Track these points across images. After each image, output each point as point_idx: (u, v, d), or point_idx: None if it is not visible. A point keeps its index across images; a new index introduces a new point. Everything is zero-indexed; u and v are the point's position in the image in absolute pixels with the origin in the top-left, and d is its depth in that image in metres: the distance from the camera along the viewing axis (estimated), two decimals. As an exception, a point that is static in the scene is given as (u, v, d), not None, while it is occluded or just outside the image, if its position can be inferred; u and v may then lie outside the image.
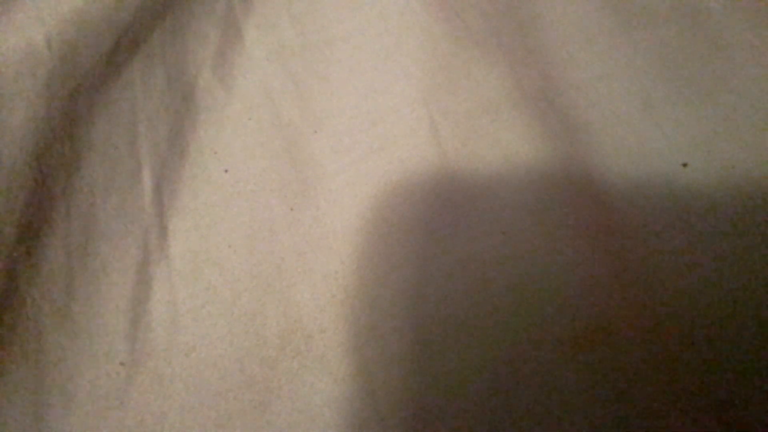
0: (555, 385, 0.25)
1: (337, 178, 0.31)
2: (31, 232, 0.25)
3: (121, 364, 0.26)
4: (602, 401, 0.24)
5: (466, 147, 0.31)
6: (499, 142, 0.31)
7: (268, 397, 0.25)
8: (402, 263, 0.28)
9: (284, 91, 0.34)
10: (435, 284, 0.27)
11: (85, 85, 0.29)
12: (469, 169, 0.30)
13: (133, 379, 0.25)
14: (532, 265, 0.27)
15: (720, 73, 0.32)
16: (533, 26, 0.35)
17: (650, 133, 0.30)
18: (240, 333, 0.27)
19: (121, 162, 0.30)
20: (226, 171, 0.31)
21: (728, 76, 0.31)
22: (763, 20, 0.33)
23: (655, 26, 0.34)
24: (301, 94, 0.34)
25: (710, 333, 0.25)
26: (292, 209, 0.30)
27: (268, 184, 0.31)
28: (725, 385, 0.24)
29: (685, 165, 0.29)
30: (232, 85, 0.34)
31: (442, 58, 0.34)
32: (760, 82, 0.31)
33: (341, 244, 0.29)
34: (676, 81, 0.32)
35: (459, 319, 0.26)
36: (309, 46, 0.36)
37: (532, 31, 0.35)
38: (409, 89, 0.33)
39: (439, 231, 0.29)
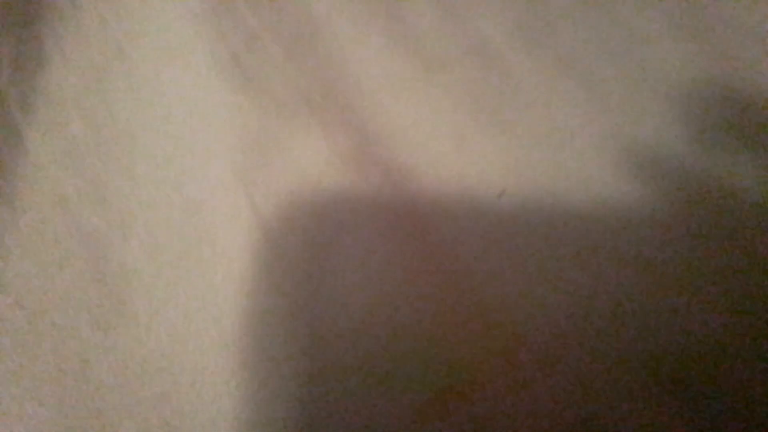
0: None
1: (156, 284, 0.28)
2: None
3: None
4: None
5: (291, 224, 0.31)
6: (324, 212, 0.31)
7: None
8: (238, 368, 0.27)
9: (81, 195, 0.30)
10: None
11: None
12: (298, 248, 0.30)
13: None
14: (371, 321, 0.28)
15: (514, 104, 0.34)
16: (342, 84, 0.36)
17: (466, 169, 0.32)
18: None
19: None
20: (18, 306, 0.27)
21: (521, 105, 0.34)
22: (541, 49, 0.37)
23: (452, 68, 0.37)
24: (102, 196, 0.31)
25: (562, 353, 0.27)
26: (106, 334, 0.27)
27: (73, 310, 0.27)
28: (589, 400, 0.26)
29: (500, 196, 0.31)
30: (16, 199, 0.30)
31: (254, 134, 0.34)
32: (543, 104, 0.34)
33: (170, 361, 0.26)
34: (481, 117, 0.34)
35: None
36: (105, 141, 0.33)
37: (341, 89, 0.36)
38: (223, 173, 0.32)
39: (273, 326, 0.28)
